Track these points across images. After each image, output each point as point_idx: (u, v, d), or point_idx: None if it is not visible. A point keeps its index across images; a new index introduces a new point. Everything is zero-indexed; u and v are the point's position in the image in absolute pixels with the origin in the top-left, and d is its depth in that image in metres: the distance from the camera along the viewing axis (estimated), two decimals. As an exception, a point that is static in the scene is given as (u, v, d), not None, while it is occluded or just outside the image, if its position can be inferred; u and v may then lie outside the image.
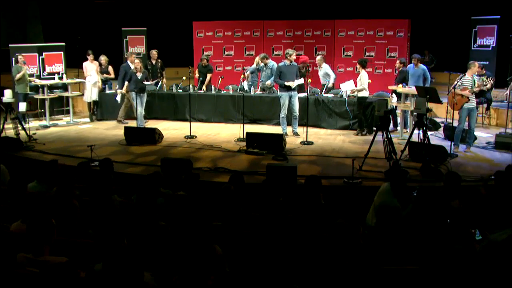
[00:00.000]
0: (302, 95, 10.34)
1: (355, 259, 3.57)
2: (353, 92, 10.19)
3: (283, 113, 9.89)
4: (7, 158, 7.98)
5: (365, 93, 9.99)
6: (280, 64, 9.98)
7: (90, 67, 11.68)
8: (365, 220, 5.33)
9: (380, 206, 4.58)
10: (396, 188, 5.03)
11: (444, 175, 6.05)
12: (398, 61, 10.68)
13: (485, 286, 3.24)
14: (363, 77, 9.91)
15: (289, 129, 10.03)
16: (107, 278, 2.90)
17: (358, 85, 9.99)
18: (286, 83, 9.68)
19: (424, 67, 10.05)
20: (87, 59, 11.74)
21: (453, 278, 3.19)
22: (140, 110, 10.43)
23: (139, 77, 10.19)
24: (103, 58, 12.00)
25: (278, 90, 10.15)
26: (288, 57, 9.77)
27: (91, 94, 11.66)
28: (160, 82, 12.05)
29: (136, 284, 2.87)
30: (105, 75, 11.99)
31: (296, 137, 9.73)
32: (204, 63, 12.06)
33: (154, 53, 12.38)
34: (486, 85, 9.24)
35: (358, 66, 10.23)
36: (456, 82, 8.40)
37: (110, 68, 12.18)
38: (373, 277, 3.45)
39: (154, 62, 12.36)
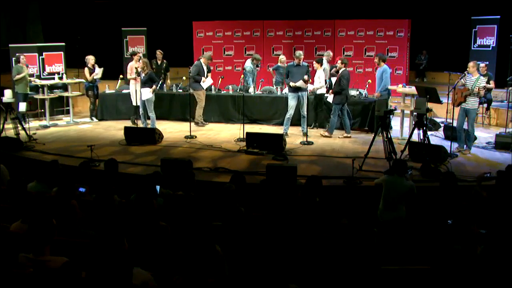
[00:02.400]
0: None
1: (363, 259, 3.57)
2: (313, 90, 10.23)
3: (289, 113, 9.87)
4: (7, 158, 7.98)
5: (323, 90, 10.15)
6: (289, 63, 10.01)
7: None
8: (378, 217, 5.59)
9: (402, 194, 5.50)
10: (399, 171, 5.67)
11: (440, 176, 6.06)
12: (339, 61, 9.74)
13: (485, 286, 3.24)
14: (321, 75, 10.05)
15: (294, 130, 10.06)
16: (105, 279, 2.89)
17: (317, 83, 10.12)
18: (291, 84, 9.70)
19: (385, 67, 9.74)
20: (131, 59, 10.98)
21: (454, 278, 3.19)
22: (149, 113, 10.23)
23: (143, 78, 10.06)
24: (92, 58, 11.61)
25: (287, 90, 10.10)
26: (295, 59, 9.80)
27: (139, 96, 10.63)
28: (164, 83, 12.00)
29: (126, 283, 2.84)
30: (93, 76, 11.50)
31: (304, 136, 9.70)
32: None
33: (158, 53, 12.34)
34: (490, 86, 9.17)
35: (315, 64, 10.21)
36: (459, 81, 8.41)
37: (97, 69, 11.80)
38: (377, 277, 3.45)
39: (159, 62, 12.31)
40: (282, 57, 11.46)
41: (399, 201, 5.56)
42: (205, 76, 10.94)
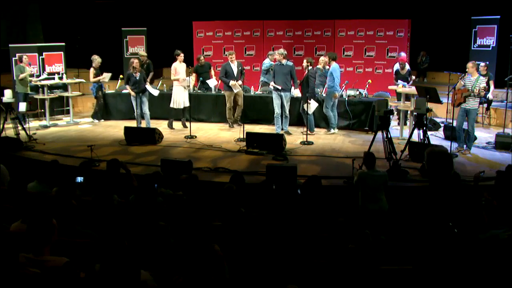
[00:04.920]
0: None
1: (359, 258, 3.57)
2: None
3: (276, 112, 9.94)
4: (7, 158, 7.98)
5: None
6: (276, 63, 10.02)
7: (181, 69, 10.58)
8: (370, 207, 5.70)
9: (379, 184, 5.74)
10: (369, 164, 5.91)
11: None
12: (305, 60, 9.97)
13: (485, 283, 3.24)
14: None
15: (293, 129, 10.14)
16: (105, 278, 2.90)
17: None
18: (271, 84, 9.93)
19: (334, 66, 9.84)
20: (175, 59, 10.63)
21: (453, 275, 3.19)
22: (145, 110, 10.27)
23: (137, 78, 10.05)
24: (99, 60, 11.54)
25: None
26: (279, 56, 9.80)
27: (183, 99, 10.53)
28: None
29: (134, 284, 2.87)
30: (99, 78, 11.43)
31: (288, 135, 9.72)
32: (201, 62, 11.93)
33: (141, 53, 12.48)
34: (488, 88, 9.19)
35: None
36: (460, 82, 8.42)
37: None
38: (375, 276, 3.45)
39: (143, 59, 12.35)
40: (323, 59, 11.05)
41: (378, 192, 5.73)
42: (235, 74, 10.49)
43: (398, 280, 3.48)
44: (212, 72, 11.97)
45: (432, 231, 3.73)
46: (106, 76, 11.52)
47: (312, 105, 9.75)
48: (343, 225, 3.79)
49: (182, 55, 10.62)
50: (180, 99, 10.57)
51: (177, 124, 10.95)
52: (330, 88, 9.84)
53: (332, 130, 10.10)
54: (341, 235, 3.78)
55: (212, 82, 11.30)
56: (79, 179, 5.51)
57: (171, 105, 10.66)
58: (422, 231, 3.90)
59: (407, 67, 10.63)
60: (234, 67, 10.53)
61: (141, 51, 12.37)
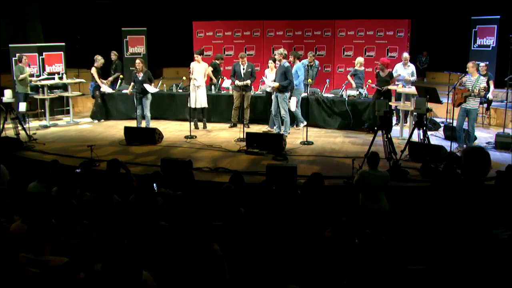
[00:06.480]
0: (303, 95, 10.35)
1: (361, 258, 3.57)
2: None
3: (272, 112, 9.95)
4: (7, 158, 7.98)
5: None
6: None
7: (198, 69, 10.51)
8: (370, 207, 5.72)
9: (380, 184, 5.76)
10: (372, 163, 5.89)
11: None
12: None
13: (485, 281, 3.24)
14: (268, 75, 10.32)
15: (293, 129, 10.16)
16: (106, 278, 2.90)
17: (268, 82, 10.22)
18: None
19: (298, 64, 10.12)
20: (193, 60, 10.61)
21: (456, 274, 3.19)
22: (146, 112, 10.20)
23: (140, 78, 10.02)
24: (102, 62, 11.64)
25: None
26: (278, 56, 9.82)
27: (200, 99, 10.43)
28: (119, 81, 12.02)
29: (135, 284, 2.87)
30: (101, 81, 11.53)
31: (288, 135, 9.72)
32: (221, 61, 11.77)
33: (114, 52, 12.58)
34: (488, 88, 9.20)
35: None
36: (458, 82, 8.43)
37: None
38: (378, 276, 3.45)
39: (114, 58, 12.52)
40: (360, 59, 10.98)
41: (380, 192, 5.75)
42: (242, 75, 10.44)
43: (398, 280, 3.48)
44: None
45: (447, 227, 3.69)
46: (105, 88, 11.63)
47: (292, 102, 9.76)
48: (346, 225, 3.79)
49: (199, 56, 10.61)
50: (195, 98, 10.45)
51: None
52: (297, 87, 10.08)
53: (301, 124, 10.22)
54: (344, 234, 3.78)
55: (227, 83, 11.43)
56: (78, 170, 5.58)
57: (202, 106, 10.58)
58: (436, 228, 3.86)
59: (394, 68, 10.61)
60: (243, 67, 10.51)
61: (113, 52, 12.52)
